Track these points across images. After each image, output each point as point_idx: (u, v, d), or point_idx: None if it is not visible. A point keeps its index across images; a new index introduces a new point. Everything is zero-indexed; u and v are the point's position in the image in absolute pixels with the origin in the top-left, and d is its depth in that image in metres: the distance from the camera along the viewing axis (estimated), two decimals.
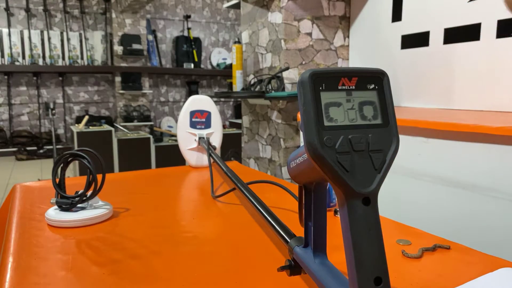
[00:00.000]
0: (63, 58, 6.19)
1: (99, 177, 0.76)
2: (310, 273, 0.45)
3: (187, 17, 6.94)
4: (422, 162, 1.45)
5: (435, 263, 0.58)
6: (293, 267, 0.48)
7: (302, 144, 0.43)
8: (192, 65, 6.79)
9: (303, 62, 2.33)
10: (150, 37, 6.60)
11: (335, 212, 0.80)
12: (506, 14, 1.58)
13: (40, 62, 6.04)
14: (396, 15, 2.07)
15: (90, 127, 4.24)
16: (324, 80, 0.35)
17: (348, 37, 2.42)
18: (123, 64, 6.15)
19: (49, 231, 0.71)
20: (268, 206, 0.67)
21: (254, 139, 2.68)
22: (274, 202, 0.84)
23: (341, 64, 2.43)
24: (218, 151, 1.23)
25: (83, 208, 0.76)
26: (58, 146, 5.89)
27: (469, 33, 1.71)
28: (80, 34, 6.28)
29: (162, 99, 6.97)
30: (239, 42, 2.60)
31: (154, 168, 4.34)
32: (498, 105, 1.65)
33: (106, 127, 4.36)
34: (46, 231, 0.71)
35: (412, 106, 2.04)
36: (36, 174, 4.76)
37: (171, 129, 6.48)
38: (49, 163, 5.43)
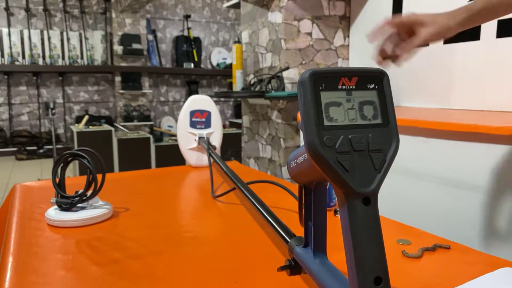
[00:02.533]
0: (63, 58, 6.18)
1: (99, 177, 0.76)
2: (310, 273, 0.45)
3: (187, 16, 6.94)
4: (422, 162, 1.45)
5: (435, 263, 0.58)
6: (293, 267, 0.48)
7: (302, 144, 0.43)
8: (192, 65, 6.79)
9: (303, 62, 2.33)
10: (150, 37, 6.60)
11: (335, 212, 0.80)
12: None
13: (40, 62, 6.04)
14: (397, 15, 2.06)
15: (90, 127, 4.24)
16: (324, 79, 0.35)
17: (348, 36, 2.42)
18: (123, 64, 6.15)
19: (49, 231, 0.71)
20: (268, 206, 0.67)
21: (254, 139, 2.68)
22: (274, 202, 0.84)
23: (341, 64, 2.43)
24: (218, 151, 1.23)
25: (83, 208, 0.76)
26: (58, 146, 5.89)
27: (469, 32, 1.71)
28: (80, 34, 6.28)
29: (162, 98, 6.97)
30: (239, 41, 2.60)
31: (154, 168, 4.34)
32: (498, 105, 1.65)
33: (106, 127, 4.36)
34: (46, 231, 0.71)
35: (412, 106, 2.04)
36: (36, 174, 4.76)
37: (171, 129, 6.48)
38: (49, 163, 5.42)
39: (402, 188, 1.53)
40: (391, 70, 2.26)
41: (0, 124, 6.00)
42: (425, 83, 1.96)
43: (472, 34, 1.70)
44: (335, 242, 0.60)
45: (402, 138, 1.49)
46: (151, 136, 4.57)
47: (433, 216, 1.41)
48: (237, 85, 2.57)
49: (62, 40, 6.17)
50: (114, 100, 6.44)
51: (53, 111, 5.37)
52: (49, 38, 6.08)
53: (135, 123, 6.18)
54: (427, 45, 0.81)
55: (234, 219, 0.79)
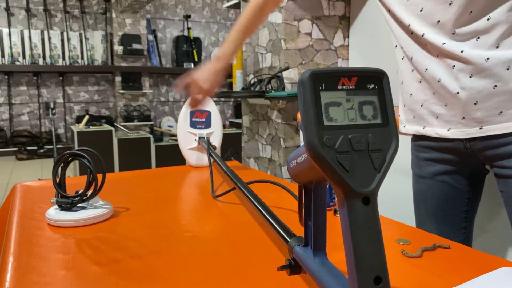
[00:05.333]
0: (63, 58, 6.19)
1: (99, 176, 0.76)
2: (310, 273, 0.45)
3: (187, 17, 6.94)
4: None
5: (435, 262, 0.58)
6: (293, 267, 0.48)
7: (302, 143, 0.43)
8: (192, 65, 6.79)
9: (303, 62, 2.33)
10: (150, 37, 6.61)
11: (335, 211, 0.80)
12: None
13: (41, 62, 6.04)
14: None
15: (91, 126, 4.25)
16: (324, 80, 0.35)
17: (348, 37, 2.42)
18: (123, 64, 6.15)
19: (50, 231, 0.71)
20: (268, 206, 0.67)
21: (254, 139, 2.68)
22: (274, 202, 0.85)
23: (341, 64, 2.43)
24: (218, 151, 1.24)
25: (83, 208, 0.76)
26: (58, 146, 5.89)
27: None
28: (80, 34, 6.28)
29: (162, 98, 6.98)
30: None
31: (154, 167, 4.35)
32: None
33: (106, 126, 4.36)
34: (47, 231, 0.71)
35: None
36: (36, 174, 4.76)
37: (171, 129, 6.49)
38: (49, 163, 5.43)
39: (402, 188, 1.53)
40: (391, 71, 2.26)
41: (0, 124, 6.00)
42: None
43: None
44: (335, 241, 0.60)
45: (402, 138, 1.49)
46: (151, 136, 4.58)
47: None
48: (237, 85, 2.58)
49: (62, 40, 6.17)
50: (115, 100, 6.45)
51: (54, 111, 5.37)
52: (49, 38, 6.09)
53: (135, 123, 6.18)
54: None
55: (234, 219, 0.79)
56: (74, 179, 1.08)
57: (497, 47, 0.74)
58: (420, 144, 0.97)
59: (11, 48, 5.86)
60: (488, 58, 0.74)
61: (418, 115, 0.91)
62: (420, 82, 0.88)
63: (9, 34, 5.86)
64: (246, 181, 0.87)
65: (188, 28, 6.94)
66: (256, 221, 0.76)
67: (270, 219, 0.61)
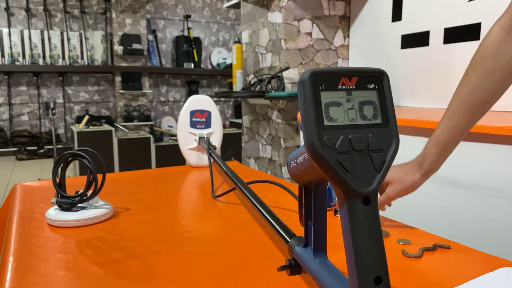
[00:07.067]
0: (63, 58, 6.18)
1: (99, 177, 0.76)
2: (310, 273, 0.45)
3: (187, 17, 6.94)
4: None
5: (435, 262, 0.58)
6: (293, 267, 0.48)
7: (302, 143, 0.43)
8: (192, 65, 6.79)
9: (303, 62, 2.33)
10: (150, 37, 6.60)
11: (335, 211, 0.80)
12: None
13: (40, 62, 6.04)
14: (396, 15, 2.07)
15: (90, 127, 4.24)
16: (324, 79, 0.35)
17: (348, 36, 2.42)
18: (123, 64, 6.15)
19: (50, 231, 0.71)
20: (268, 206, 0.67)
21: (254, 139, 2.68)
22: (274, 202, 0.85)
23: (341, 64, 2.43)
24: (218, 151, 1.23)
25: (83, 208, 0.76)
26: (58, 146, 5.89)
27: (469, 32, 1.71)
28: (80, 34, 6.28)
29: (162, 98, 6.97)
30: (239, 42, 2.60)
31: (154, 168, 4.34)
32: (498, 105, 1.65)
33: (106, 127, 4.36)
34: (47, 231, 0.71)
35: (412, 106, 2.04)
36: (36, 174, 4.76)
37: (171, 129, 6.48)
38: (49, 163, 5.42)
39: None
40: (391, 70, 2.25)
41: (0, 124, 6.00)
42: (425, 83, 1.96)
43: (472, 33, 1.70)
44: (335, 242, 0.60)
45: (402, 138, 1.49)
46: (151, 136, 4.57)
47: (433, 215, 1.41)
48: (237, 85, 2.58)
49: (62, 40, 6.17)
50: (115, 100, 6.44)
51: (54, 111, 5.37)
52: (49, 38, 6.08)
53: (135, 123, 6.18)
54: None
55: (234, 219, 0.79)
56: (74, 179, 1.08)
57: None
58: None
59: (11, 48, 5.86)
60: None
61: None
62: None
63: (9, 34, 5.85)
64: (246, 181, 0.87)
65: (188, 28, 6.93)
66: (256, 221, 0.76)
67: (270, 219, 0.61)
